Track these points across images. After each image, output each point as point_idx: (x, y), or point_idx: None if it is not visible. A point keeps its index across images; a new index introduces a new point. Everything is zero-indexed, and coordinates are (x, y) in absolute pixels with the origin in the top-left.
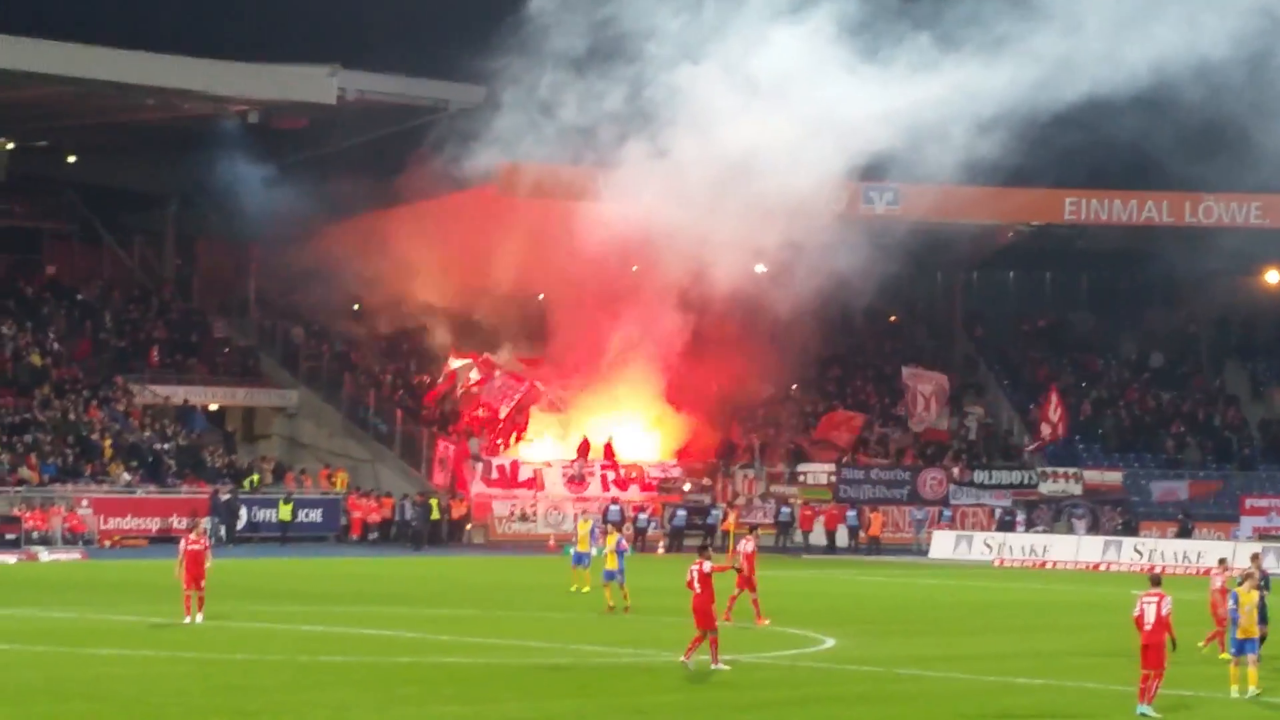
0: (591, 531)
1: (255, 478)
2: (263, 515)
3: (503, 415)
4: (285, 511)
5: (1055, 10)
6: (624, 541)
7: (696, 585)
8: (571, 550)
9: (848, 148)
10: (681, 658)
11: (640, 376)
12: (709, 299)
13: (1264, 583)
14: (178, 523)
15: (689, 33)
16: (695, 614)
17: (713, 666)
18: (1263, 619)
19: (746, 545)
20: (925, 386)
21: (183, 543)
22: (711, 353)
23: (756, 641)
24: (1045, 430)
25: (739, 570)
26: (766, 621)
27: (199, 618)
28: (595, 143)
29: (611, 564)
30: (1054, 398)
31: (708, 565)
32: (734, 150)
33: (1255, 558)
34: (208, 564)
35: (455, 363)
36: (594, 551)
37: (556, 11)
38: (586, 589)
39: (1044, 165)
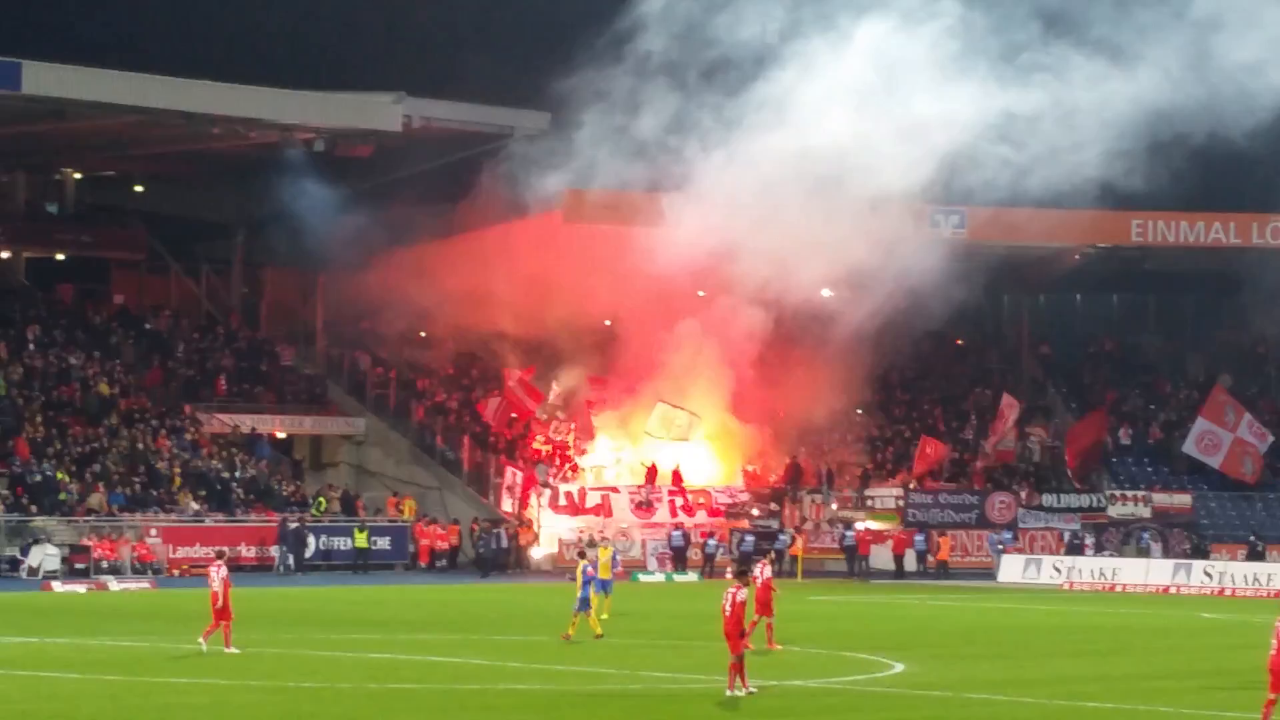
0: (613, 559)
1: (322, 502)
2: (331, 543)
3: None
4: (361, 539)
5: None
6: (590, 569)
7: (728, 609)
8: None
9: (934, 154)
10: (727, 690)
11: (707, 399)
12: (775, 321)
13: None
14: (246, 551)
15: (767, 37)
16: (727, 639)
17: (727, 692)
18: None
19: (766, 570)
20: (1010, 413)
21: (218, 572)
22: (777, 376)
23: (827, 666)
24: (992, 442)
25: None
26: (779, 647)
27: (233, 648)
28: (666, 162)
29: (605, 574)
30: (1007, 413)
31: (742, 594)
32: (812, 158)
33: None
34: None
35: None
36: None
37: (635, 27)
38: (605, 615)
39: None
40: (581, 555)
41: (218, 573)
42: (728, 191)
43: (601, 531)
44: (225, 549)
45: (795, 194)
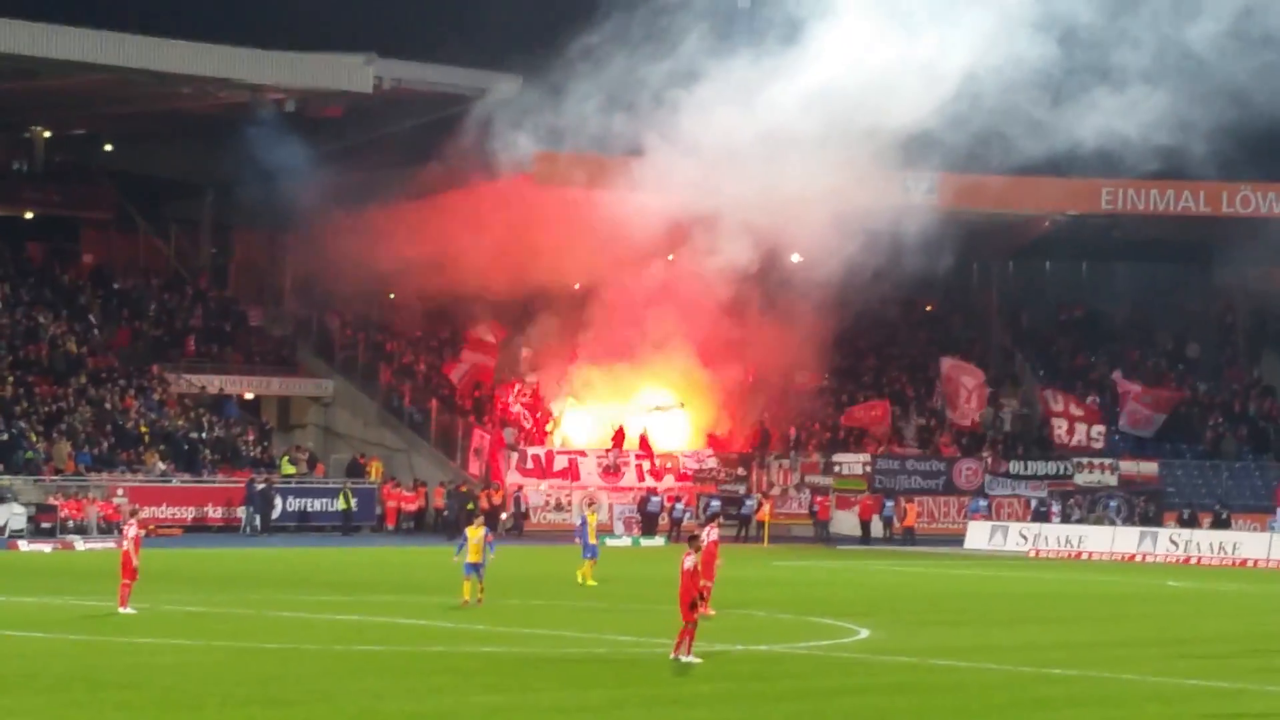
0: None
1: (287, 464)
2: (299, 505)
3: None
4: (344, 501)
5: None
6: (490, 533)
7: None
8: (582, 540)
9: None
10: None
11: (675, 365)
12: (745, 285)
13: None
14: (212, 512)
15: None
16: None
17: (673, 656)
18: None
19: (713, 533)
20: (968, 380)
21: (131, 530)
22: (745, 341)
23: (791, 631)
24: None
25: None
26: (711, 612)
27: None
28: (635, 124)
29: (475, 557)
30: (955, 374)
31: (689, 560)
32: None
33: None
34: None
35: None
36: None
37: None
38: (594, 582)
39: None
40: (590, 505)
41: (129, 531)
42: (705, 150)
43: (593, 497)
44: (138, 507)
45: (772, 153)
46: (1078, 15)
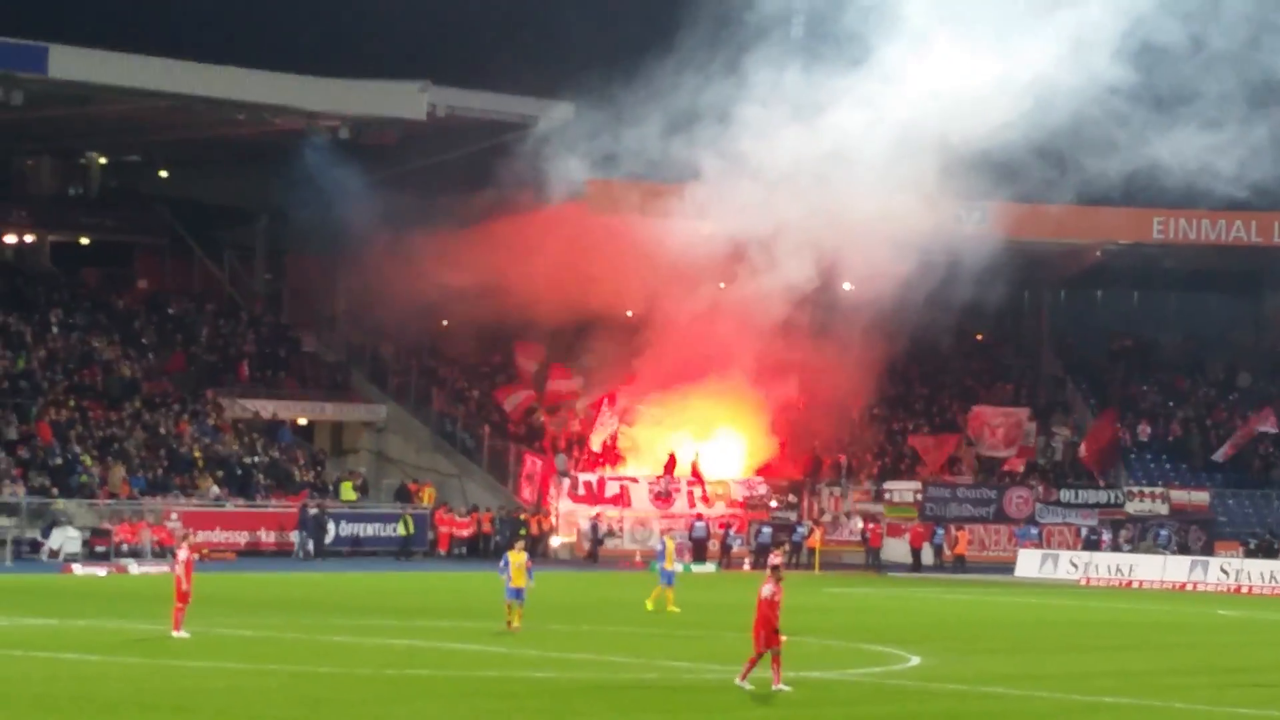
0: (677, 549)
1: (350, 487)
2: (350, 530)
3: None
4: (405, 527)
5: None
6: (530, 559)
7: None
8: (659, 567)
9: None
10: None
11: (728, 393)
12: (797, 313)
13: None
14: (265, 536)
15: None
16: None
17: (738, 681)
18: None
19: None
20: (995, 421)
21: (182, 554)
22: (797, 367)
23: (843, 658)
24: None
25: None
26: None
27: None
28: (690, 149)
29: (519, 581)
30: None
31: (766, 589)
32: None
33: None
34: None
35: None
36: (679, 569)
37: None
38: (675, 609)
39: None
40: (668, 531)
41: (181, 555)
42: (761, 172)
43: (670, 525)
44: (191, 531)
45: (828, 175)
46: (1151, 37)
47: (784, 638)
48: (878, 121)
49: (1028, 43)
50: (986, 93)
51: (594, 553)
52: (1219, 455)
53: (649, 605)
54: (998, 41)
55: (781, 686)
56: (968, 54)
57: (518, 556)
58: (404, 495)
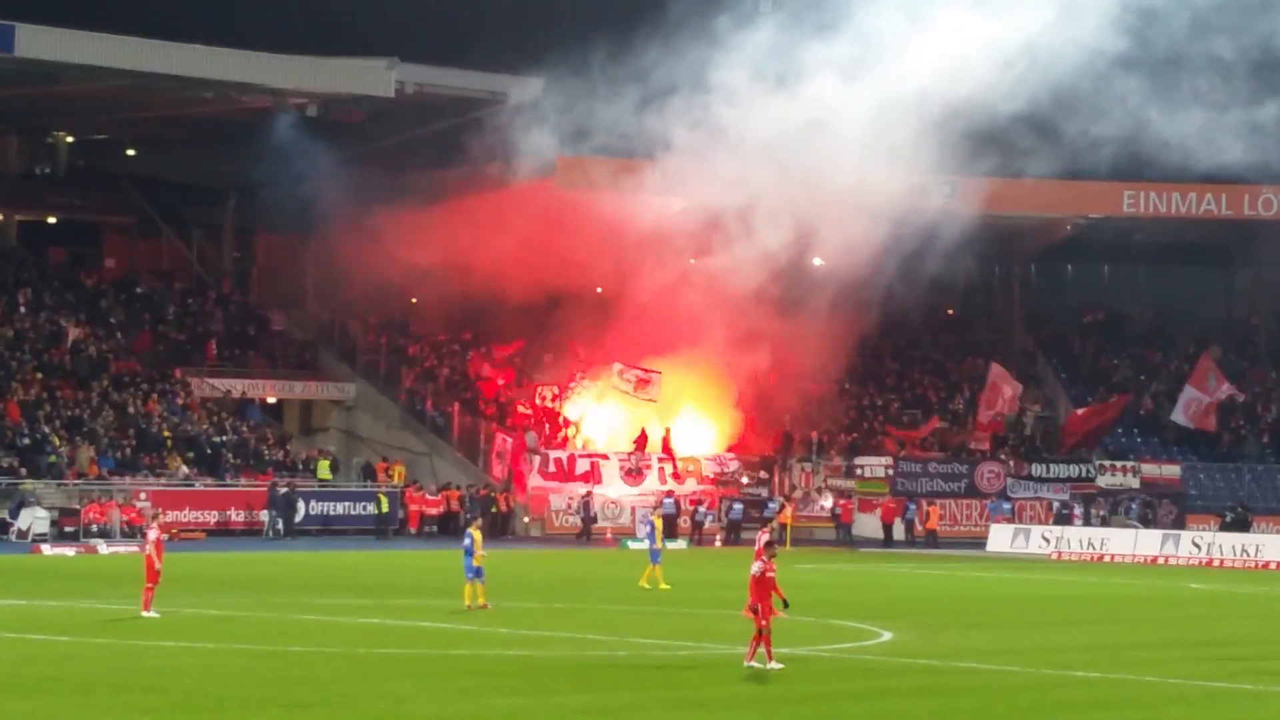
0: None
1: (326, 466)
2: (320, 508)
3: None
4: (380, 505)
5: None
6: (469, 537)
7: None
8: (648, 546)
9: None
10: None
11: (696, 369)
12: (767, 287)
13: None
14: (235, 515)
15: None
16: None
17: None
18: None
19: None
20: (1008, 389)
21: (151, 534)
22: (767, 345)
23: (815, 634)
24: (986, 415)
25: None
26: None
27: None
28: (654, 132)
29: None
30: (1000, 382)
31: (756, 567)
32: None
33: None
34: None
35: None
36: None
37: None
38: (665, 586)
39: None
40: (657, 509)
41: (151, 535)
42: (731, 144)
43: (658, 502)
44: (160, 511)
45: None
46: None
47: (764, 622)
48: (851, 91)
49: (1009, 9)
50: (964, 61)
51: (587, 531)
52: (1182, 419)
53: (643, 583)
54: (977, 7)
55: (754, 664)
56: (947, 21)
57: (479, 534)
58: (369, 474)
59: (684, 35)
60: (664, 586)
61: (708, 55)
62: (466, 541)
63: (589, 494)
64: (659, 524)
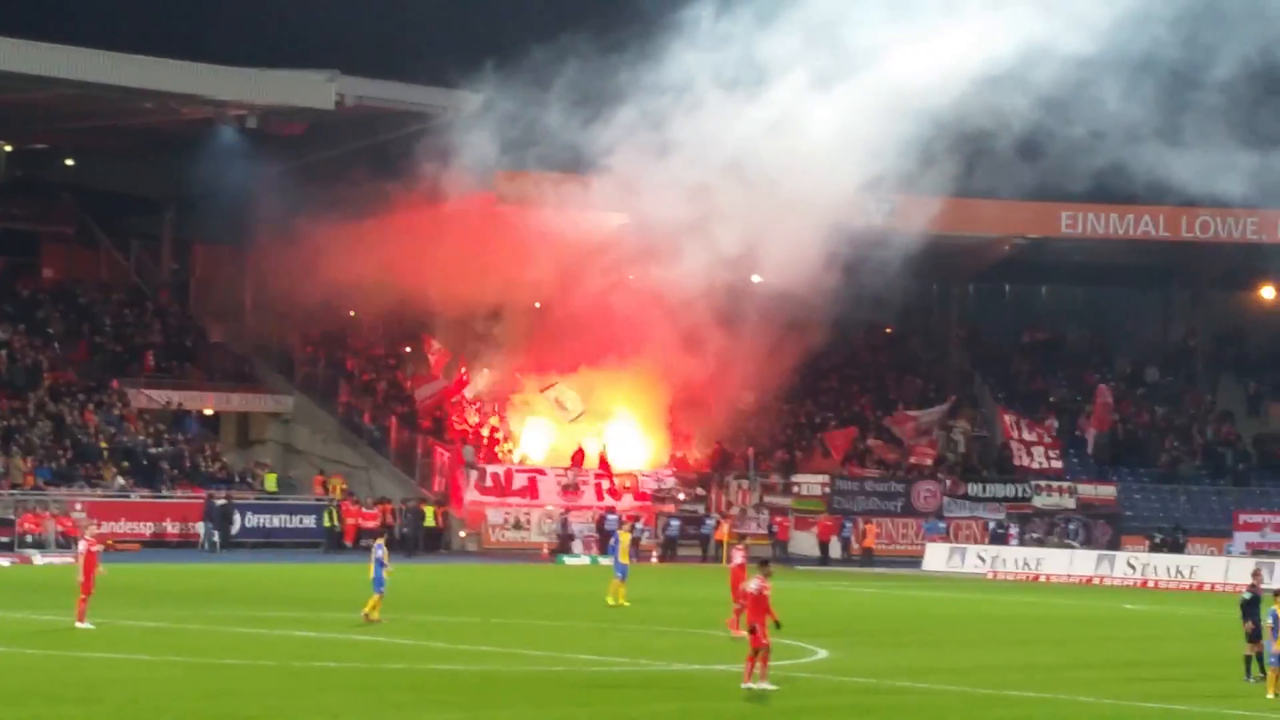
0: (585, 542)
1: (274, 479)
2: (255, 521)
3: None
4: (331, 518)
5: None
6: (382, 549)
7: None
8: (613, 561)
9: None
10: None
11: (633, 384)
12: (704, 305)
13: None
14: (171, 527)
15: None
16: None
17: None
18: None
19: (736, 557)
20: (921, 422)
21: (83, 545)
22: (704, 361)
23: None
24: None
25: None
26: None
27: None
28: (595, 146)
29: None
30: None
31: (753, 584)
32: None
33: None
34: (99, 569)
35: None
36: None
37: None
38: (626, 603)
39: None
40: (623, 524)
41: (82, 546)
42: (645, 178)
43: (631, 516)
44: (95, 522)
45: (711, 182)
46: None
47: (766, 641)
48: (799, 103)
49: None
50: (911, 80)
51: (566, 548)
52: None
53: (609, 600)
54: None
55: (751, 685)
56: (899, 35)
57: (626, 536)
58: (288, 487)
59: (626, 46)
60: (623, 603)
61: (650, 66)
62: (378, 553)
63: (567, 510)
64: (624, 539)
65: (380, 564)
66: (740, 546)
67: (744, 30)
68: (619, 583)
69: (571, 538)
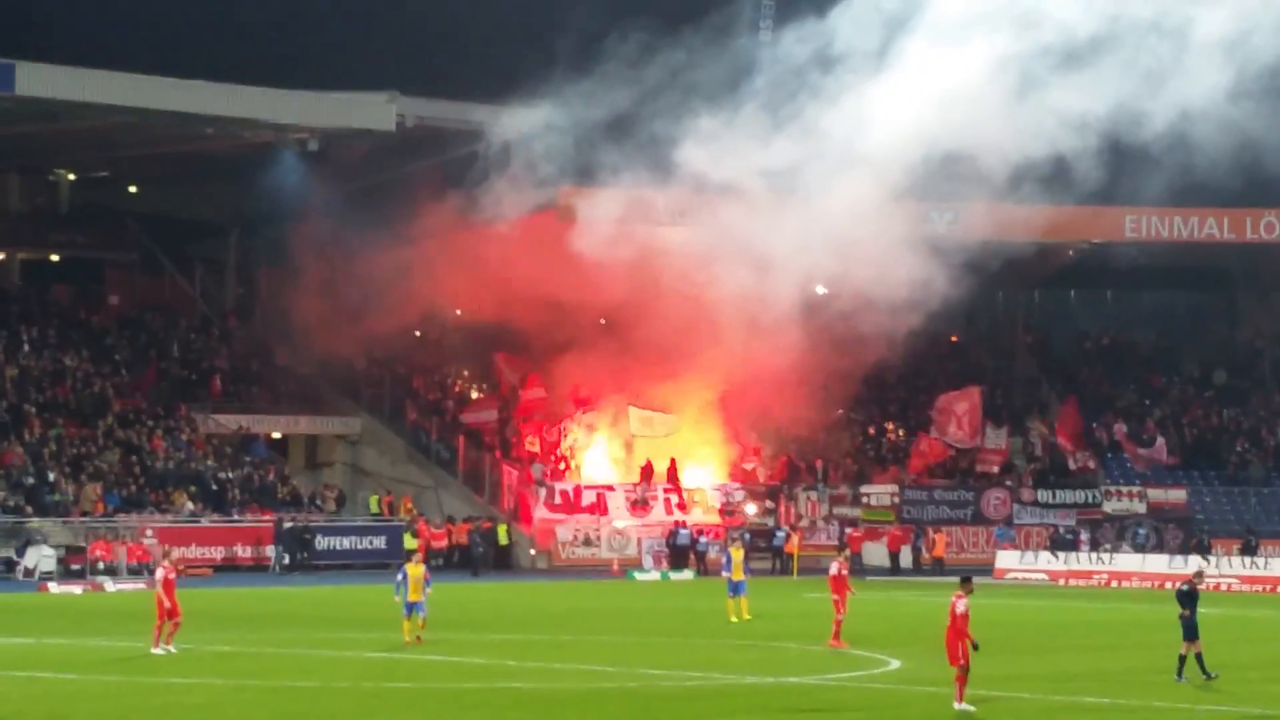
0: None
1: (375, 501)
2: (326, 543)
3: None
4: (410, 541)
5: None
6: (428, 571)
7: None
8: (727, 578)
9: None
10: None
11: (700, 398)
12: (769, 321)
13: None
14: (242, 551)
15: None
16: (948, 649)
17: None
18: None
19: (833, 568)
20: (959, 405)
21: (160, 572)
22: (772, 375)
23: (823, 663)
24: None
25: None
26: (845, 646)
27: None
28: (662, 163)
29: (415, 595)
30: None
31: (961, 605)
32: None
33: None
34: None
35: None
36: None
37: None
38: (748, 617)
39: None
40: (737, 543)
41: (159, 573)
42: (734, 181)
43: (739, 532)
44: (170, 548)
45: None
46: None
47: (964, 660)
48: (857, 123)
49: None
50: (970, 91)
51: (688, 561)
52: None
53: (731, 618)
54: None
55: (964, 706)
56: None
57: (416, 570)
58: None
59: (692, 65)
60: (746, 617)
61: (715, 88)
62: (399, 577)
63: (678, 523)
64: (737, 556)
65: (398, 587)
66: (841, 558)
67: (811, 34)
68: (741, 599)
69: (686, 548)
